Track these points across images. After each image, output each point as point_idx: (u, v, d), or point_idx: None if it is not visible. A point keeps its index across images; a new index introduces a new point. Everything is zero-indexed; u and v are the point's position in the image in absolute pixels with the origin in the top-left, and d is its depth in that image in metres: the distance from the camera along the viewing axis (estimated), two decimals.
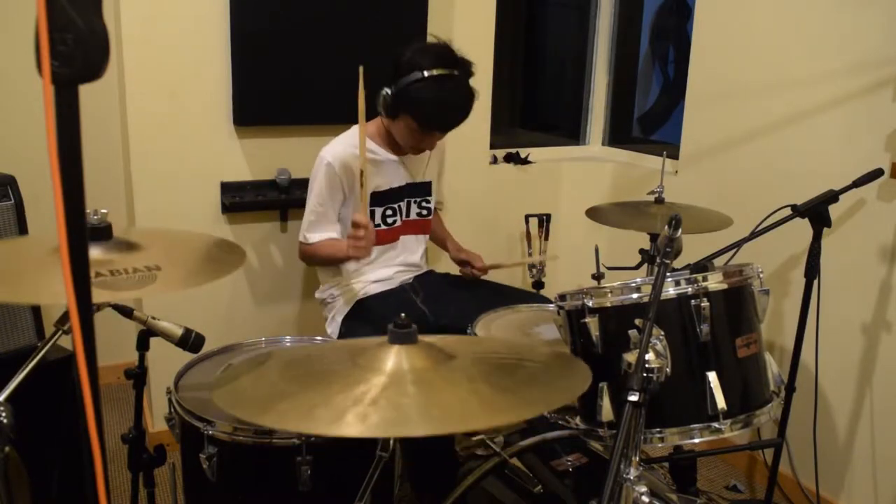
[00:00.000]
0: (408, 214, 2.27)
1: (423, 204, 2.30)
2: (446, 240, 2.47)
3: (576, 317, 1.44)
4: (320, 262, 2.23)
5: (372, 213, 2.16)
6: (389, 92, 2.00)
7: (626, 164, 3.17)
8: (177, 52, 2.32)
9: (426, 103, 1.96)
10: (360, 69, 1.67)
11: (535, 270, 2.92)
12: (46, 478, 1.88)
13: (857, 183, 1.98)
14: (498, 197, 3.03)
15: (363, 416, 0.94)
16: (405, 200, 2.25)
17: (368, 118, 2.18)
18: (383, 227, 2.20)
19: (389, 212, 2.20)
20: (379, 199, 2.17)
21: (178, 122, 2.37)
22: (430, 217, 2.33)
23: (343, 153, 2.09)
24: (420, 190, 2.28)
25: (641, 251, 2.10)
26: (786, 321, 2.38)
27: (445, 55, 1.98)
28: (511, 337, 1.86)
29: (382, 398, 0.98)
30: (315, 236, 2.12)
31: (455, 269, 2.42)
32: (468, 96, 1.99)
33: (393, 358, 1.08)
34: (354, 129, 2.18)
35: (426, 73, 1.93)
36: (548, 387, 1.08)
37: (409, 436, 0.93)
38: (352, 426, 0.92)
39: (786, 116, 2.34)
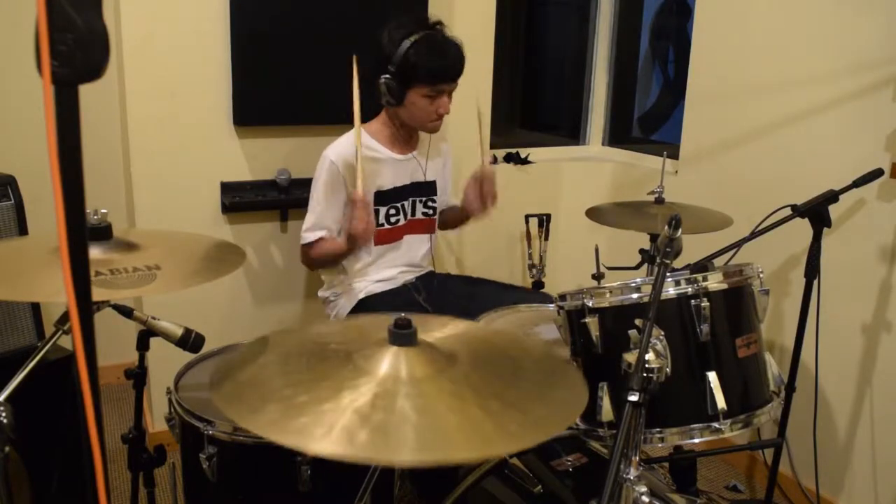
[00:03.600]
0: (413, 214, 2.26)
1: (429, 203, 2.30)
2: (458, 208, 2.36)
3: (576, 317, 1.44)
4: (320, 262, 2.22)
5: (376, 213, 2.16)
6: (389, 76, 2.04)
7: (626, 164, 3.17)
8: (177, 52, 2.32)
9: (428, 58, 1.99)
10: (354, 58, 1.80)
11: (534, 270, 2.92)
12: (46, 478, 1.89)
13: (857, 183, 1.98)
14: (498, 197, 3.03)
15: (356, 433, 0.92)
16: (409, 200, 2.24)
17: (368, 118, 2.20)
18: (387, 226, 2.19)
19: (393, 211, 2.20)
20: (382, 198, 2.17)
21: (178, 122, 2.37)
22: (435, 217, 2.33)
23: (346, 152, 2.09)
24: (425, 189, 2.27)
25: (641, 251, 2.09)
26: (786, 321, 2.38)
27: (420, 20, 2.06)
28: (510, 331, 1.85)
29: (380, 409, 0.96)
30: (314, 235, 2.12)
31: (455, 269, 2.41)
32: (456, 42, 2.07)
33: (391, 362, 1.07)
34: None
35: (413, 38, 1.99)
36: (539, 408, 1.06)
37: (398, 465, 0.90)
38: (346, 447, 0.90)
39: (786, 116, 2.34)
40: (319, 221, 2.12)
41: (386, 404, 0.98)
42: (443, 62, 2.02)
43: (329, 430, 0.93)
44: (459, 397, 1.03)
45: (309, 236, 2.13)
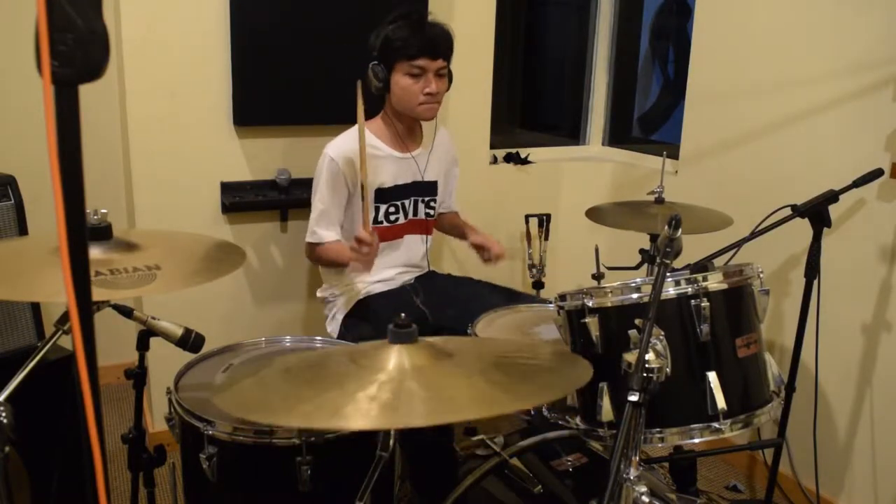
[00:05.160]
0: (415, 213, 2.26)
1: (431, 203, 2.30)
2: (464, 228, 2.42)
3: (576, 317, 1.44)
4: (325, 263, 2.23)
5: (376, 210, 2.16)
6: (375, 61, 2.06)
7: (626, 164, 3.17)
8: (177, 52, 2.32)
9: (406, 33, 2.00)
10: (358, 84, 1.77)
11: (534, 270, 2.92)
12: (46, 478, 1.88)
13: (857, 183, 1.98)
14: (498, 197, 3.03)
15: (367, 409, 0.94)
16: (411, 199, 2.24)
17: (369, 117, 2.20)
18: (386, 223, 2.19)
19: (392, 209, 2.20)
20: (383, 195, 2.17)
21: (178, 122, 2.37)
22: (434, 218, 2.33)
23: (346, 150, 2.10)
24: (427, 189, 2.27)
25: (641, 251, 2.09)
26: (786, 321, 2.38)
27: (406, 9, 2.06)
28: (511, 337, 1.85)
29: (387, 391, 0.98)
30: (320, 234, 2.12)
31: (455, 270, 2.41)
32: (440, 23, 2.07)
33: (394, 357, 1.09)
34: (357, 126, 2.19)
35: (395, 21, 2.03)
36: (551, 376, 1.08)
37: (414, 426, 0.92)
38: (358, 420, 0.91)
39: (786, 116, 2.34)
40: (323, 221, 2.12)
41: (393, 387, 1.00)
42: (420, 35, 2.01)
43: (336, 411, 0.93)
44: (465, 376, 1.05)
45: (322, 235, 2.12)
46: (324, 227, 2.12)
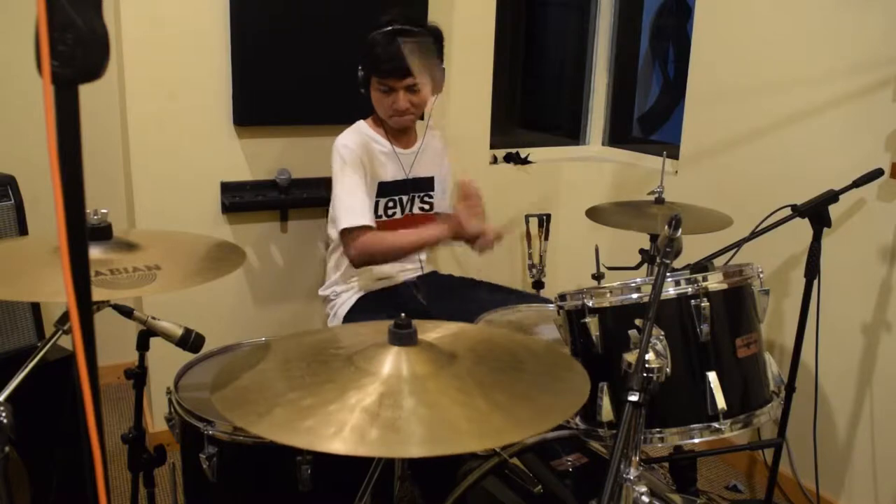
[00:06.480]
0: (412, 209, 2.26)
1: (426, 199, 2.30)
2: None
3: (576, 317, 1.44)
4: (386, 250, 2.08)
5: (375, 205, 2.16)
6: (360, 66, 2.09)
7: (626, 164, 3.17)
8: (177, 52, 2.32)
9: (378, 51, 2.02)
10: None
11: (534, 270, 2.92)
12: (46, 478, 1.89)
13: (857, 183, 1.98)
14: (498, 197, 3.02)
15: (364, 431, 0.92)
16: (409, 195, 2.24)
17: (369, 114, 2.20)
18: (384, 218, 2.20)
19: (391, 203, 2.21)
20: (382, 190, 2.17)
21: (178, 122, 2.37)
22: (432, 213, 2.33)
23: (356, 139, 2.12)
24: (422, 185, 2.28)
25: (641, 251, 2.10)
26: (786, 321, 2.38)
27: (401, 15, 2.06)
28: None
29: (381, 407, 0.97)
30: (367, 217, 2.05)
31: (456, 270, 2.40)
32: (420, 39, 2.05)
33: (393, 362, 1.07)
34: (360, 122, 2.21)
35: (381, 30, 2.04)
36: (545, 397, 1.07)
37: (407, 457, 0.91)
38: (350, 444, 0.90)
39: (786, 116, 2.34)
40: (366, 203, 2.07)
41: (393, 402, 0.98)
42: (389, 55, 2.01)
43: (339, 430, 0.93)
44: (465, 392, 1.03)
45: (360, 219, 2.03)
46: (369, 210, 2.07)
